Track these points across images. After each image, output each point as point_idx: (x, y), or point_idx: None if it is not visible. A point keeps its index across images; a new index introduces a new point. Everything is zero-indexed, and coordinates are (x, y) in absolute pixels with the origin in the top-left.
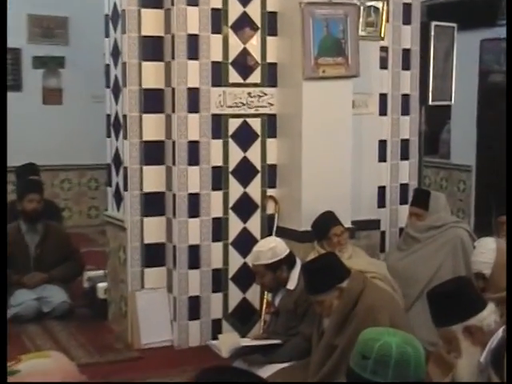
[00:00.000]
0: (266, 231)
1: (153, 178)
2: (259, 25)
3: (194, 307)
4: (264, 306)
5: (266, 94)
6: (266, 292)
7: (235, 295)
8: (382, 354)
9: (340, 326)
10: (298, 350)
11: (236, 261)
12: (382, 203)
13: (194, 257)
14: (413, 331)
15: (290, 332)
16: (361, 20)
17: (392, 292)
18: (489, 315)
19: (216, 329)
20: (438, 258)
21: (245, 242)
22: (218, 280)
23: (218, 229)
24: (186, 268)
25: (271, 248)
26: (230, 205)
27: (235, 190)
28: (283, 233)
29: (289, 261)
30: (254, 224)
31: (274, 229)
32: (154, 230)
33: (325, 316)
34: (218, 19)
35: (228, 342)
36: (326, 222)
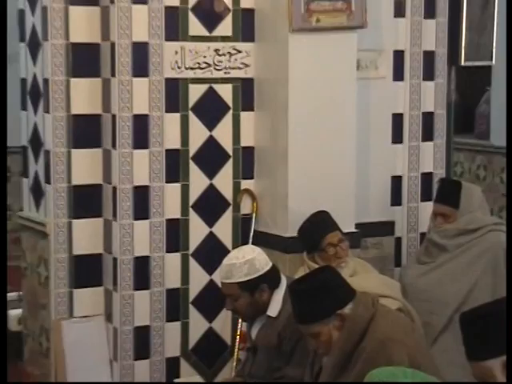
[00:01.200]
0: (240, 238)
1: (85, 166)
2: None
3: (142, 342)
4: (237, 339)
5: (239, 52)
6: (240, 321)
7: (198, 325)
8: None
9: (341, 366)
10: None
11: (199, 278)
12: (397, 199)
13: (142, 273)
14: (438, 372)
15: (273, 375)
16: None
17: (410, 321)
18: None
19: (172, 371)
20: (472, 273)
21: (211, 253)
22: (175, 304)
23: (175, 234)
24: (132, 288)
25: (248, 261)
26: (191, 202)
27: (198, 181)
28: (263, 240)
29: (271, 278)
30: (224, 228)
31: (251, 234)
32: (86, 236)
33: (321, 354)
34: None
35: None
36: (318, 227)
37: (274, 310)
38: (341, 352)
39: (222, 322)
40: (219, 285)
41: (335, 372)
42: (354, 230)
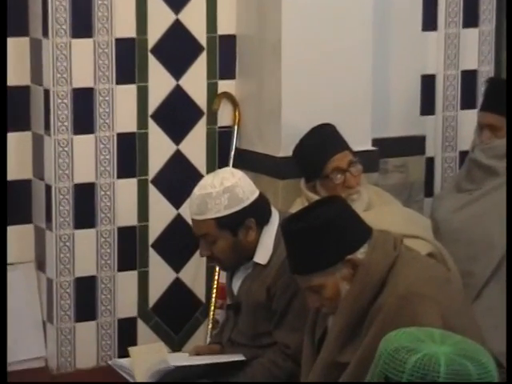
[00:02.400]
0: (217, 159)
1: (8, 156)
2: None
3: (86, 298)
4: (214, 295)
5: None
6: (217, 270)
7: (161, 276)
8: (420, 374)
9: (352, 330)
10: (273, 375)
11: (162, 213)
12: (428, 107)
13: (85, 206)
14: (481, 336)
15: (260, 341)
16: None
17: (445, 269)
18: None
19: (126, 337)
20: None
21: (178, 179)
22: (130, 248)
23: (129, 154)
24: (71, 226)
25: (227, 189)
26: (151, 110)
27: (160, 82)
28: (247, 161)
29: (259, 212)
30: (195, 145)
31: (232, 154)
32: (15, 247)
33: (325, 313)
34: None
35: (147, 359)
36: (321, 145)
37: (262, 254)
38: (351, 311)
39: (194, 272)
40: (190, 222)
41: (344, 337)
42: (370, 149)
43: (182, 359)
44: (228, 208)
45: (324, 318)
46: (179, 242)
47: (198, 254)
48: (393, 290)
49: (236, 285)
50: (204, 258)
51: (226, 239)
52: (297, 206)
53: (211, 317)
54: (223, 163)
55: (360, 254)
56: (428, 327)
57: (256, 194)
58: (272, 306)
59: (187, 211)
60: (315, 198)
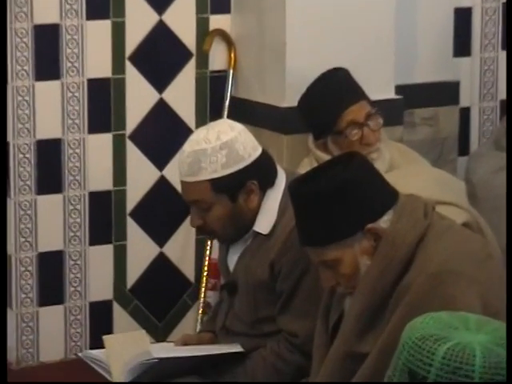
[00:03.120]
0: (209, 109)
1: None
2: None
3: (52, 277)
4: (205, 273)
5: None
6: (209, 243)
7: (142, 250)
8: (452, 368)
9: (373, 313)
10: (278, 369)
11: (143, 175)
12: (463, 47)
13: (48, 165)
14: None
15: (261, 329)
16: None
17: (485, 242)
18: None
19: (100, 324)
20: None
21: (162, 134)
22: (104, 217)
23: (102, 104)
24: (32, 191)
25: (225, 144)
26: (129, 51)
27: (139, 17)
28: (245, 113)
29: (262, 172)
30: (183, 93)
31: (226, 104)
32: None
33: (341, 294)
34: None
35: (126, 351)
36: (333, 95)
37: (264, 222)
38: (372, 291)
39: (181, 246)
40: (176, 186)
41: (363, 323)
42: (392, 97)
43: (167, 350)
44: (226, 167)
45: (340, 300)
46: (163, 210)
47: (185, 224)
48: (423, 266)
49: (232, 260)
50: (193, 230)
51: (223, 205)
52: (304, 168)
53: (202, 300)
54: (216, 115)
55: (383, 222)
56: (464, 311)
57: (259, 150)
58: (276, 286)
59: (173, 173)
60: (326, 158)
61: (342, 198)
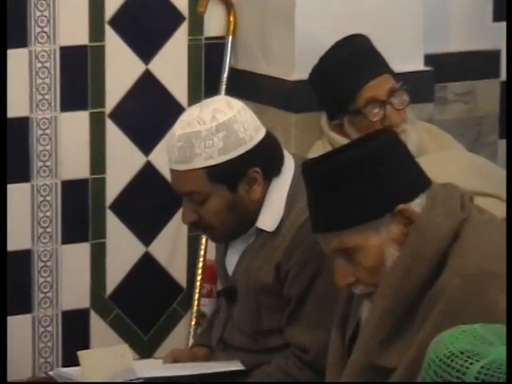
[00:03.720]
0: (204, 82)
1: None
2: None
3: (17, 279)
4: (198, 277)
5: None
6: (203, 242)
7: (124, 250)
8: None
9: (399, 319)
10: None
11: (126, 161)
12: (503, 10)
13: (18, 148)
14: None
15: (265, 343)
16: None
17: None
18: None
19: (75, 336)
20: None
21: (147, 112)
22: (80, 210)
23: (78, 79)
24: None
25: (223, 125)
26: (108, 15)
27: None
28: (247, 87)
29: (266, 159)
30: (173, 62)
31: (225, 76)
32: None
33: (361, 293)
34: None
35: (105, 368)
36: (350, 68)
37: (269, 217)
38: (397, 292)
39: (170, 245)
40: (165, 174)
41: (387, 329)
42: (421, 69)
43: (154, 369)
44: (224, 152)
45: (359, 305)
46: (149, 203)
47: (175, 219)
48: (458, 267)
49: (231, 262)
50: (185, 226)
51: (221, 197)
52: (316, 153)
53: (195, 308)
54: (212, 90)
55: (415, 205)
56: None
57: (262, 132)
58: (283, 292)
59: (161, 158)
60: (342, 141)
61: (370, 172)
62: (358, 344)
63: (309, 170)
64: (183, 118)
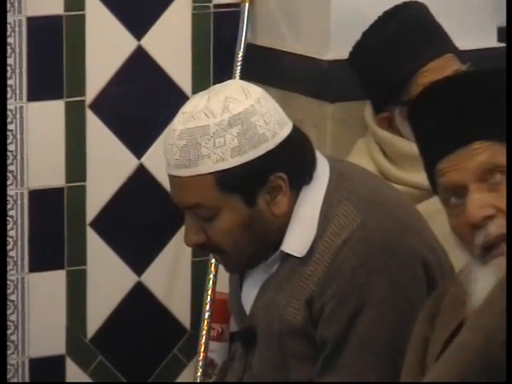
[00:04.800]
0: (212, 64)
1: None
2: None
3: None
4: (206, 314)
5: None
6: (212, 269)
7: (111, 279)
8: None
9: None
10: None
11: (115, 169)
12: None
13: None
14: None
15: None
16: None
17: None
18: None
19: None
20: None
21: (132, 105)
22: (53, 227)
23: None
24: None
25: (237, 118)
26: None
27: None
28: (269, 70)
29: (292, 162)
30: (172, 36)
31: (240, 56)
32: None
33: (493, 233)
34: None
35: None
36: (403, 45)
37: (298, 239)
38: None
39: (169, 273)
40: (163, 181)
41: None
42: (494, 46)
43: None
44: (239, 153)
45: (445, 325)
46: (142, 219)
47: (176, 239)
48: None
49: (249, 296)
50: (188, 248)
51: (235, 212)
52: (359, 154)
53: (202, 355)
54: (223, 73)
55: None
56: None
57: (288, 127)
58: (316, 334)
59: (157, 161)
60: (393, 138)
61: None
62: (468, 327)
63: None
64: (186, 110)
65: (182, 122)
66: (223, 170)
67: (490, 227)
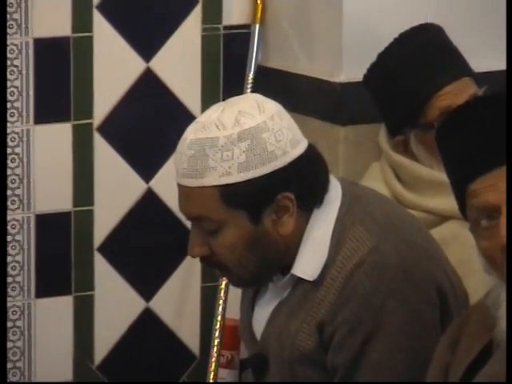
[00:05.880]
0: (221, 85)
1: None
2: None
3: None
4: (216, 340)
5: None
6: (222, 293)
7: (119, 305)
8: None
9: None
10: None
11: (123, 192)
12: None
13: None
14: None
15: None
16: None
17: None
18: None
19: None
20: None
21: (140, 126)
22: (60, 252)
23: None
24: None
25: (247, 132)
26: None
27: None
28: (281, 91)
29: (302, 182)
30: (181, 57)
31: (250, 78)
32: None
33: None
34: None
35: None
36: (419, 68)
37: (310, 263)
38: None
39: (178, 299)
40: (172, 205)
41: None
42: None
43: None
44: (246, 169)
45: (468, 349)
46: (150, 243)
47: (184, 266)
48: None
49: (260, 321)
50: (197, 274)
51: (240, 228)
52: (373, 178)
53: (212, 382)
54: (235, 89)
55: None
56: None
57: (302, 147)
58: (328, 359)
59: (166, 184)
60: (408, 163)
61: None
62: (502, 354)
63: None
64: (200, 120)
65: (193, 131)
66: (228, 185)
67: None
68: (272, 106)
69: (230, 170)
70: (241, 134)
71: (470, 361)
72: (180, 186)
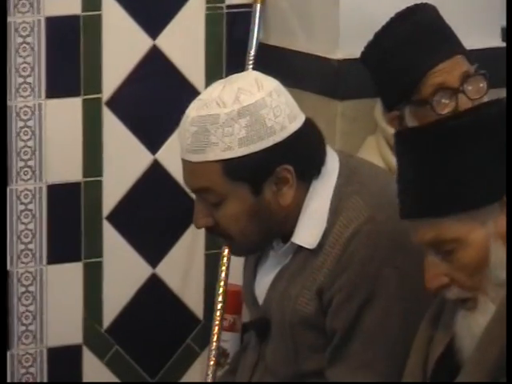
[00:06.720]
0: (224, 62)
1: None
2: None
3: None
4: (219, 305)
5: None
6: (225, 260)
7: (126, 271)
8: None
9: None
10: None
11: (130, 164)
12: None
13: None
14: None
15: None
16: None
17: None
18: None
19: (63, 378)
20: None
21: (146, 101)
22: (70, 221)
23: None
24: None
25: (247, 109)
26: None
27: None
28: (280, 68)
29: (300, 154)
30: (186, 35)
31: (252, 55)
32: None
33: (454, 298)
34: None
35: None
36: (413, 47)
37: (309, 232)
38: None
39: (183, 265)
40: (177, 176)
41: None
42: (498, 45)
43: None
44: (246, 143)
45: (452, 316)
46: (157, 212)
47: (189, 233)
48: None
49: (262, 287)
50: (201, 241)
51: (241, 200)
52: (368, 151)
53: (214, 345)
54: (236, 72)
55: None
56: None
57: (299, 121)
58: (326, 323)
59: (171, 156)
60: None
61: (483, 145)
62: (468, 365)
63: (406, 137)
64: (201, 97)
65: (195, 108)
66: (230, 159)
67: (448, 294)
68: (270, 83)
69: (231, 145)
70: (241, 111)
71: (448, 339)
72: (184, 161)
